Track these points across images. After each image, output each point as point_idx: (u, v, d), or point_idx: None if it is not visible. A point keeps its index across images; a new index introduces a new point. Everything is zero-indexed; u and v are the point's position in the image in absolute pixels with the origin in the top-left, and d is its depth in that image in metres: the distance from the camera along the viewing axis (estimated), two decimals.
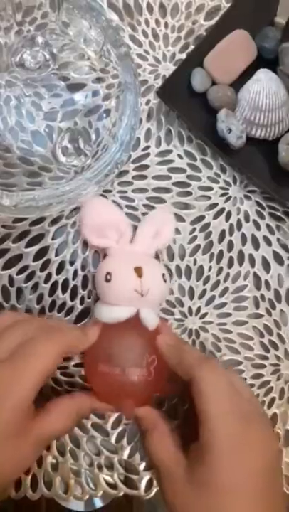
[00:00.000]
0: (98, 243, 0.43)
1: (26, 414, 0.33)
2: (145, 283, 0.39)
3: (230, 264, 0.48)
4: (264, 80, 0.46)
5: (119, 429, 0.44)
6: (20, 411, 0.33)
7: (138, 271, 0.39)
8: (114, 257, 0.42)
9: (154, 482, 0.44)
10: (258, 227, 0.49)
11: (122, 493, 0.44)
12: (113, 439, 0.44)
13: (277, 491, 0.34)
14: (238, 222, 0.48)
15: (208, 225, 0.48)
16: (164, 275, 0.41)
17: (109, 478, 0.44)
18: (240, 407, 0.34)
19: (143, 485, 0.44)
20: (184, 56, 0.50)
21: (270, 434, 0.35)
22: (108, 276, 0.39)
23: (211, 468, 0.32)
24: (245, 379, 0.46)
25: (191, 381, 0.35)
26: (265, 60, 0.49)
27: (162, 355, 0.39)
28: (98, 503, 0.56)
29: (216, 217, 0.48)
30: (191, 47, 0.50)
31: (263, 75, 0.46)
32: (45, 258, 0.46)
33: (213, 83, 0.48)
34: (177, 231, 0.48)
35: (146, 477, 0.44)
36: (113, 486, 0.44)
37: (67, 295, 0.46)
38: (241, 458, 0.32)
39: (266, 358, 0.46)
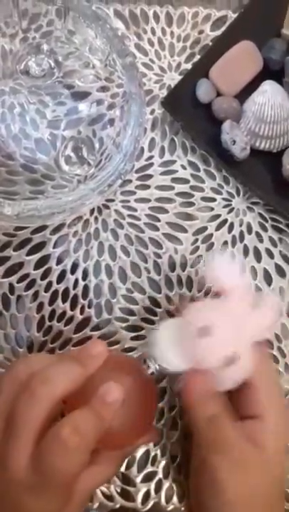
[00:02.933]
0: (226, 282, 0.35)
1: None
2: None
3: None
4: (270, 92, 0.46)
5: None
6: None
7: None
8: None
9: (151, 494, 0.43)
10: (260, 239, 0.48)
11: (118, 505, 0.43)
12: None
13: None
14: (241, 233, 0.48)
15: (210, 236, 0.48)
16: None
17: (105, 490, 0.43)
18: None
19: (140, 497, 0.43)
20: (189, 66, 0.50)
21: None
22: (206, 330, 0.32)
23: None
24: None
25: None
26: (271, 72, 0.48)
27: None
28: None
29: (218, 228, 0.48)
30: (197, 57, 0.50)
31: (269, 86, 0.46)
32: (46, 267, 0.46)
33: (218, 94, 0.48)
34: (179, 241, 0.47)
35: (144, 489, 0.44)
36: (110, 498, 0.43)
37: (67, 304, 0.45)
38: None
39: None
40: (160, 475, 0.44)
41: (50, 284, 0.46)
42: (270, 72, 0.49)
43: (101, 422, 0.31)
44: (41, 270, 0.46)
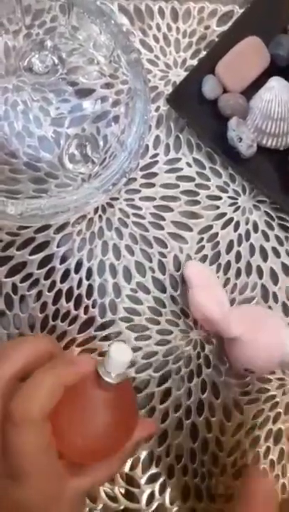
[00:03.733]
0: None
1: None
2: None
3: (238, 275, 0.47)
4: (277, 88, 0.45)
5: None
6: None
7: None
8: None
9: (156, 496, 0.43)
10: (266, 238, 0.48)
11: (122, 507, 0.43)
12: None
13: None
14: (247, 232, 0.48)
15: (216, 234, 0.47)
16: None
17: (109, 491, 0.43)
18: None
19: (144, 498, 0.43)
20: (195, 62, 0.49)
21: None
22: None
23: None
24: (251, 393, 0.45)
25: None
26: (278, 68, 0.48)
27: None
28: None
29: (224, 227, 0.47)
30: (203, 53, 0.50)
31: (276, 82, 0.45)
32: (49, 266, 0.45)
33: (225, 90, 0.47)
34: (184, 240, 0.47)
35: (148, 491, 0.43)
36: (114, 499, 0.43)
37: (71, 304, 0.45)
38: None
39: (272, 372, 0.46)
40: (164, 476, 0.43)
41: (53, 283, 0.45)
42: (277, 68, 0.48)
43: (58, 381, 0.30)
44: (45, 269, 0.45)
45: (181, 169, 0.48)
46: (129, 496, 0.43)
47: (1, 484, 0.29)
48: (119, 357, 0.30)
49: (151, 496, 0.43)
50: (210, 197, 0.48)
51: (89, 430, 0.31)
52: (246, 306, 0.46)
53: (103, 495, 0.43)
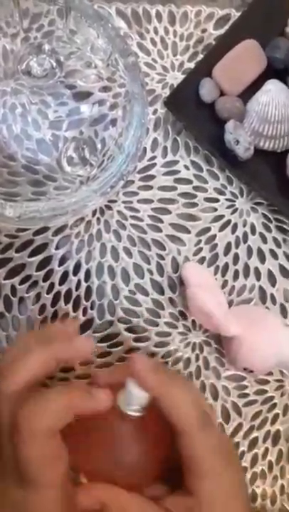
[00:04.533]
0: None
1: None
2: None
3: (236, 277, 0.47)
4: (274, 91, 0.45)
5: None
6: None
7: None
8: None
9: None
10: (264, 240, 0.48)
11: None
12: None
13: None
14: (245, 234, 0.48)
15: (213, 237, 0.47)
16: None
17: None
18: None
19: None
20: (192, 65, 0.49)
21: None
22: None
23: None
24: (249, 394, 0.45)
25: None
26: (275, 71, 0.48)
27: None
28: None
29: (221, 229, 0.48)
30: (200, 56, 0.50)
31: (273, 85, 0.46)
32: (48, 268, 0.45)
33: (222, 93, 0.48)
34: (182, 242, 0.47)
35: None
36: None
37: (69, 306, 0.45)
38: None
39: (270, 373, 0.46)
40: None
41: (52, 285, 0.45)
42: (274, 71, 0.48)
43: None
44: (43, 272, 0.45)
45: (179, 172, 0.48)
46: None
47: (14, 488, 0.30)
48: (139, 392, 0.31)
49: None
50: (207, 199, 0.48)
51: (115, 460, 0.32)
52: (245, 306, 0.47)
53: None
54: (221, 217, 0.48)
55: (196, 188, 0.48)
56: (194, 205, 0.48)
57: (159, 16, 0.50)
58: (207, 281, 0.45)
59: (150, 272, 0.46)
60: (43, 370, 0.32)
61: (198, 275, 0.45)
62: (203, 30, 0.51)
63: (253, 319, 0.43)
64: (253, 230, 0.48)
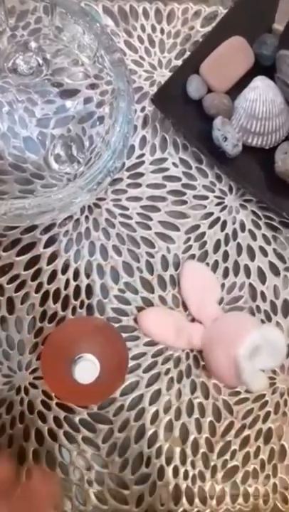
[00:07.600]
0: None
1: None
2: None
3: (226, 274, 0.47)
4: (261, 88, 0.45)
5: (110, 442, 0.43)
6: None
7: None
8: None
9: (145, 497, 0.43)
10: (254, 237, 0.48)
11: (112, 509, 0.43)
12: (104, 453, 0.43)
13: None
14: (234, 231, 0.48)
15: (203, 234, 0.47)
16: None
17: (99, 493, 0.43)
18: None
19: (134, 500, 0.43)
20: (180, 63, 0.49)
21: None
22: None
23: None
24: (240, 392, 0.45)
25: None
26: (263, 67, 0.48)
27: None
28: None
29: (211, 226, 0.47)
30: (188, 53, 0.50)
31: (260, 82, 0.46)
32: (36, 267, 0.45)
33: (209, 90, 0.47)
34: (172, 240, 0.47)
35: (138, 492, 0.43)
36: (103, 501, 0.43)
37: (58, 305, 0.45)
38: None
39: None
40: (155, 477, 0.43)
41: (40, 284, 0.45)
42: (261, 67, 0.48)
43: None
44: (32, 271, 0.45)
45: (168, 169, 0.48)
46: (119, 497, 0.43)
47: None
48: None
49: (141, 497, 0.43)
50: (197, 197, 0.48)
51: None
52: (234, 315, 0.46)
53: (93, 496, 0.42)
54: (210, 214, 0.48)
55: (185, 185, 0.48)
56: (183, 202, 0.47)
57: (146, 13, 0.50)
58: (204, 281, 0.46)
59: (140, 270, 0.46)
60: None
61: (196, 275, 0.46)
62: (191, 28, 0.51)
63: (218, 335, 0.43)
64: (243, 228, 0.48)
